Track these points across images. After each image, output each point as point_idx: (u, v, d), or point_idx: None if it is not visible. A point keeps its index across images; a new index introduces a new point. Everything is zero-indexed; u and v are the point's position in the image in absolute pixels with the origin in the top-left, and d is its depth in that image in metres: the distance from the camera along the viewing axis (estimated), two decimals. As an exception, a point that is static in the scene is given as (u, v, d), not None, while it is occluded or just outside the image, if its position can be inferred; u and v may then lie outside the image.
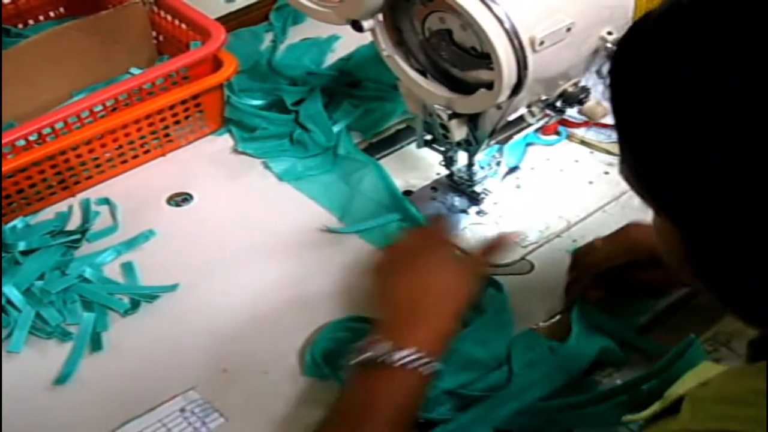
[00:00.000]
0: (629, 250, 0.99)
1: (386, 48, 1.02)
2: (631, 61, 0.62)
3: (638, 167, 0.63)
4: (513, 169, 1.19)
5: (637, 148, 0.62)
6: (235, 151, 1.27)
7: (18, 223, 1.14)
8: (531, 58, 0.90)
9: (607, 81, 0.63)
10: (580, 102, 1.02)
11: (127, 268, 1.10)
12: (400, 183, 1.20)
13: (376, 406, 0.83)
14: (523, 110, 1.03)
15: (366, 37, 1.03)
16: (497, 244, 1.00)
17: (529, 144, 1.22)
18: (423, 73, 1.02)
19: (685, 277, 0.66)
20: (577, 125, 1.24)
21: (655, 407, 0.74)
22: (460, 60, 0.98)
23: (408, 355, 0.84)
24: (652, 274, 0.98)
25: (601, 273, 1.00)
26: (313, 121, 1.26)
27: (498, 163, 1.17)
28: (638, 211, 1.10)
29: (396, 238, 1.03)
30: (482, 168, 1.14)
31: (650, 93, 0.59)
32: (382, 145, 1.27)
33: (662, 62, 0.58)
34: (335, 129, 1.26)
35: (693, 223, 0.61)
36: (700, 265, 0.64)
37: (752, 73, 0.53)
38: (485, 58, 0.92)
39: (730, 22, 0.55)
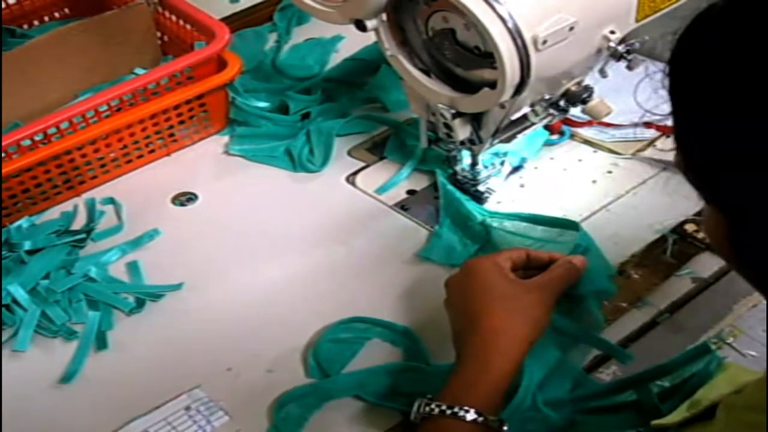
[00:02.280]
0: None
1: (390, 48, 1.02)
2: (694, 47, 0.61)
3: (692, 156, 0.63)
4: (517, 168, 1.19)
5: (692, 136, 0.62)
6: (245, 156, 1.28)
7: (23, 222, 1.15)
8: (534, 57, 0.90)
9: (667, 69, 0.63)
10: (584, 101, 1.02)
11: (132, 268, 1.10)
12: (404, 183, 1.20)
13: None
14: (526, 109, 1.03)
15: (370, 37, 1.03)
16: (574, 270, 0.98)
17: (545, 144, 1.23)
18: (426, 72, 1.03)
19: (734, 266, 0.66)
20: (581, 124, 1.24)
21: (684, 412, 0.74)
22: (464, 59, 0.98)
23: (469, 416, 0.82)
24: None
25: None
26: (318, 139, 1.26)
27: (502, 163, 1.17)
28: (639, 210, 1.12)
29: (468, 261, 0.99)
30: (486, 167, 1.15)
31: (710, 81, 0.58)
32: (385, 144, 1.27)
33: (725, 50, 0.57)
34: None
35: (741, 213, 0.60)
36: (745, 257, 0.63)
37: None
38: (488, 57, 0.93)
39: None
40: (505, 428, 0.83)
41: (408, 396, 0.90)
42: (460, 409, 0.82)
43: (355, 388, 0.94)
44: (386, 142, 1.26)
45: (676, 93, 0.63)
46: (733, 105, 0.57)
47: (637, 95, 0.94)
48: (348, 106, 1.32)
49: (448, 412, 0.82)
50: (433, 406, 0.83)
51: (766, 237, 0.59)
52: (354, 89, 1.36)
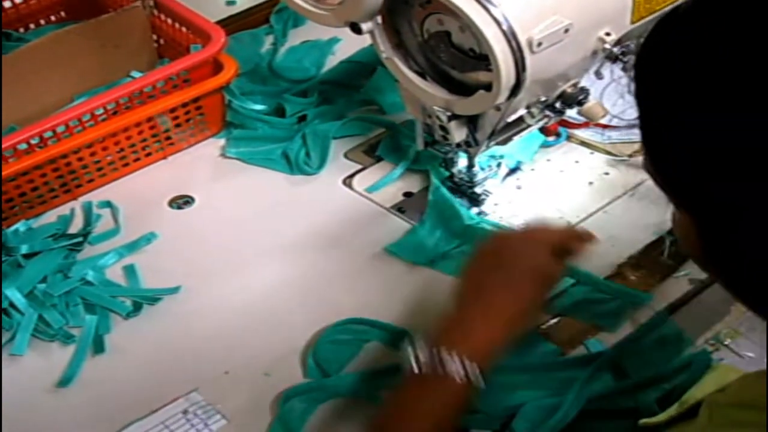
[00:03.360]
0: None
1: (385, 50, 1.02)
2: (657, 53, 0.62)
3: (658, 159, 0.63)
4: (513, 170, 1.19)
5: (657, 139, 0.63)
6: (241, 159, 1.28)
7: (20, 226, 1.15)
8: (529, 59, 0.90)
9: (632, 73, 0.63)
10: (580, 103, 1.02)
11: (129, 271, 1.10)
12: (401, 184, 1.20)
13: (415, 418, 0.81)
14: (522, 111, 1.03)
15: (366, 40, 1.03)
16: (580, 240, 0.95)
17: (542, 146, 1.23)
18: (422, 75, 1.03)
19: (705, 269, 0.67)
20: (577, 126, 1.24)
21: (672, 411, 0.74)
22: (459, 62, 0.98)
23: (454, 365, 0.81)
24: None
25: None
26: (314, 141, 1.26)
27: (498, 165, 1.17)
28: (636, 212, 1.12)
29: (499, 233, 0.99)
30: (483, 169, 1.15)
31: (672, 84, 0.59)
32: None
33: (691, 47, 0.58)
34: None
35: (709, 216, 0.61)
36: (716, 259, 0.64)
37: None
38: (484, 59, 0.93)
39: (755, 17, 0.55)
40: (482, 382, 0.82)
41: None
42: (453, 355, 0.81)
43: (360, 390, 0.94)
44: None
45: (642, 94, 0.63)
46: (699, 102, 0.57)
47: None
48: (344, 108, 1.32)
49: (444, 357, 0.81)
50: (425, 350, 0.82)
51: (734, 239, 0.60)
52: (350, 91, 1.36)
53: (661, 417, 0.75)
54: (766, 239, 0.57)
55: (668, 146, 0.61)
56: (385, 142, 1.26)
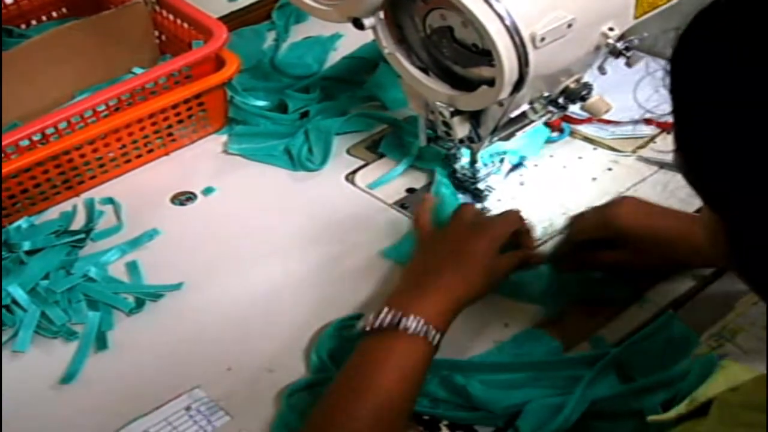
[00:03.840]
0: (601, 226, 0.99)
1: (388, 46, 1.02)
2: (696, 46, 0.61)
3: (690, 158, 0.63)
4: (516, 166, 1.19)
5: (691, 137, 0.62)
6: (244, 155, 1.28)
7: (23, 223, 1.15)
8: (532, 54, 0.90)
9: (668, 67, 0.63)
10: (583, 98, 1.02)
11: (132, 267, 1.10)
12: (403, 181, 1.20)
13: (378, 372, 0.85)
14: (525, 107, 1.03)
15: (369, 35, 1.03)
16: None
17: (547, 142, 1.23)
18: (425, 70, 1.03)
19: (731, 270, 0.66)
20: (580, 121, 1.23)
21: (681, 409, 0.74)
22: (462, 57, 0.98)
23: (413, 323, 0.86)
24: (613, 255, 0.99)
25: (574, 247, 1.02)
26: (317, 138, 1.26)
27: (501, 161, 1.17)
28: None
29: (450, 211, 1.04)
30: (486, 165, 1.15)
31: (709, 81, 0.58)
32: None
33: (730, 45, 0.57)
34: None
35: (739, 218, 0.60)
36: (742, 260, 0.63)
37: None
38: (486, 54, 0.93)
39: None
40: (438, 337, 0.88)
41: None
42: (411, 318, 0.87)
43: None
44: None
45: (677, 91, 0.62)
46: (736, 104, 0.56)
47: (637, 94, 0.93)
48: (347, 104, 1.32)
49: (403, 321, 0.87)
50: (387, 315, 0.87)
51: (764, 242, 0.59)
52: (353, 87, 1.35)
53: (671, 414, 0.75)
54: None
55: (702, 144, 0.60)
56: (388, 139, 1.26)
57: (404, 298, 0.90)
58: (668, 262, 1.01)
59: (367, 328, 0.88)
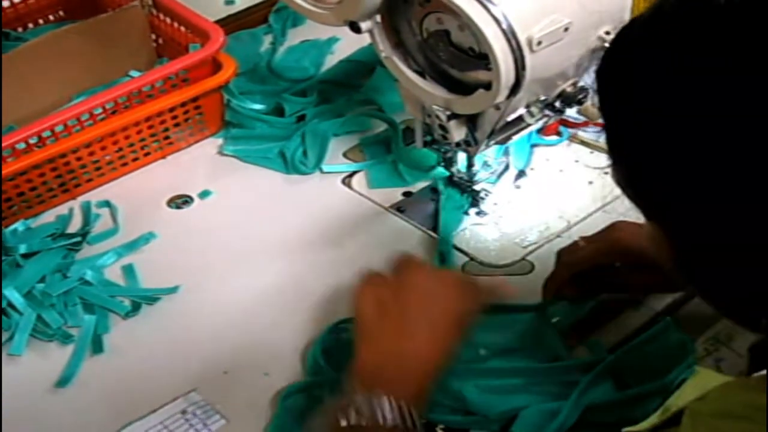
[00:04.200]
0: (613, 251, 0.97)
1: (384, 49, 1.02)
2: (620, 65, 0.62)
3: (628, 171, 0.63)
4: (521, 173, 1.19)
5: (626, 152, 0.62)
6: (239, 157, 1.28)
7: (19, 226, 1.15)
8: (529, 58, 0.90)
9: (595, 85, 0.63)
10: (579, 102, 1.02)
11: (128, 271, 1.10)
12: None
13: None
14: (522, 110, 1.03)
15: (365, 39, 1.03)
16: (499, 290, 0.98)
17: (534, 146, 1.23)
18: (421, 74, 1.03)
19: (680, 281, 0.66)
20: (577, 125, 1.24)
21: (654, 419, 0.74)
22: (458, 61, 0.98)
23: (392, 412, 0.78)
24: (636, 277, 0.98)
25: (582, 272, 0.98)
26: (312, 140, 1.26)
27: (507, 167, 1.17)
28: (636, 211, 1.11)
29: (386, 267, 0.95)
30: (489, 166, 1.15)
31: (638, 97, 0.59)
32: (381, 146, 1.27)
33: (650, 66, 0.58)
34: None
35: (681, 228, 0.61)
36: (690, 271, 0.64)
37: (740, 76, 0.53)
38: (483, 58, 0.93)
39: (715, 25, 0.55)
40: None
41: None
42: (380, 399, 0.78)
43: None
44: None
45: (608, 104, 0.63)
46: (667, 114, 0.57)
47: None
48: (344, 108, 1.32)
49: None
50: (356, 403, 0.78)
51: (708, 253, 0.60)
52: (350, 91, 1.35)
53: (644, 425, 0.75)
54: (737, 252, 0.57)
55: (637, 159, 0.61)
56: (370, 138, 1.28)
57: (376, 376, 0.82)
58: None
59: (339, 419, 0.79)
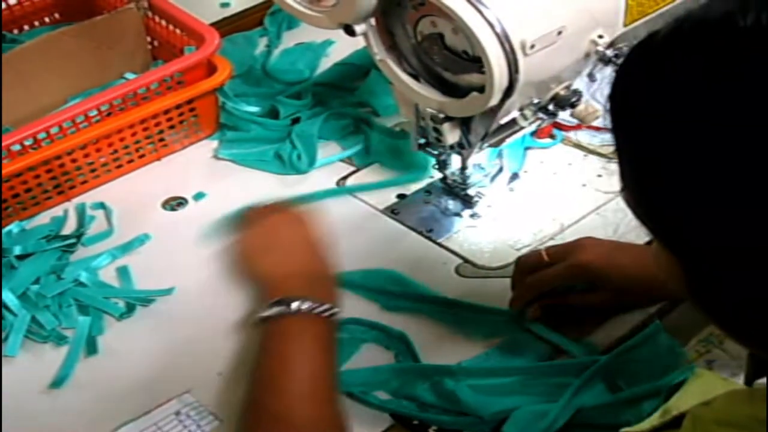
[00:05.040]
0: (581, 272, 0.98)
1: (379, 52, 1.02)
2: (633, 86, 0.60)
3: (638, 192, 0.62)
4: (514, 176, 1.20)
5: (638, 173, 0.61)
6: (234, 161, 1.28)
7: (14, 227, 1.15)
8: (522, 61, 0.90)
9: (608, 105, 0.62)
10: (572, 105, 1.03)
11: (123, 272, 1.10)
12: (393, 187, 1.20)
13: (292, 363, 0.85)
14: (515, 113, 1.03)
15: (360, 42, 1.03)
16: None
17: (527, 148, 1.23)
18: (416, 77, 1.03)
19: (689, 301, 0.66)
20: (570, 128, 1.24)
21: (654, 420, 0.74)
22: (452, 64, 0.98)
23: (306, 305, 0.87)
24: (591, 297, 0.99)
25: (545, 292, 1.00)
26: (301, 142, 1.26)
27: (500, 169, 1.18)
28: (629, 214, 1.12)
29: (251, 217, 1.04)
30: (483, 170, 1.16)
31: (652, 117, 0.57)
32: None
33: (667, 86, 0.56)
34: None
35: (692, 252, 0.59)
36: (699, 292, 0.63)
37: (759, 98, 0.52)
38: (477, 61, 0.93)
39: (736, 47, 0.53)
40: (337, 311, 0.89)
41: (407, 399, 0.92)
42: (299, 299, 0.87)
43: (358, 385, 0.94)
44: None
45: (619, 128, 0.61)
46: (679, 140, 0.55)
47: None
48: (338, 111, 1.32)
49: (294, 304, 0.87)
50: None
51: (720, 278, 0.58)
52: (344, 94, 1.36)
53: (644, 426, 0.75)
54: (750, 280, 0.56)
55: (650, 183, 0.60)
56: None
57: (283, 288, 0.90)
58: (642, 297, 1.00)
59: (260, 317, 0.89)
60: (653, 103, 0.57)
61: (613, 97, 0.62)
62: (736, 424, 0.61)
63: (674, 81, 0.56)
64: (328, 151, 1.27)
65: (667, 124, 0.56)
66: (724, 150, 0.53)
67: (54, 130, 1.15)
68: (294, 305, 0.87)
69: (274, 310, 0.87)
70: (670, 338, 0.95)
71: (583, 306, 1.00)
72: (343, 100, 1.34)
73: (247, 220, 1.02)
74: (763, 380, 0.63)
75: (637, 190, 0.62)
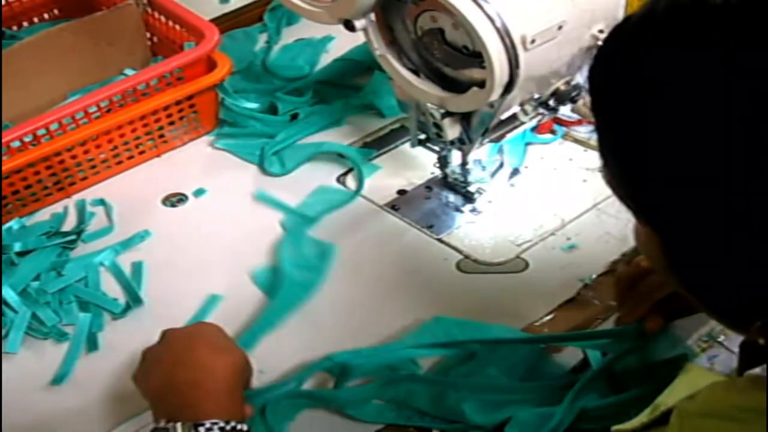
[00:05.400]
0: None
1: (379, 47, 1.02)
2: (611, 66, 0.61)
3: (619, 171, 0.63)
4: (515, 171, 1.20)
5: (617, 151, 0.62)
6: (230, 151, 1.28)
7: (14, 224, 1.15)
8: (522, 56, 0.90)
9: (587, 86, 0.63)
10: (573, 100, 1.03)
11: (115, 268, 1.10)
12: (395, 182, 1.20)
13: None
14: (515, 109, 1.03)
15: (360, 38, 1.03)
16: None
17: (528, 144, 1.23)
18: (416, 72, 1.03)
19: (669, 281, 0.66)
20: (570, 123, 1.24)
21: (644, 417, 0.74)
22: (453, 59, 0.98)
23: (214, 426, 0.80)
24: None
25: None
26: (288, 148, 1.27)
27: (501, 165, 1.18)
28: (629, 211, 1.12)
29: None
30: (484, 168, 1.15)
31: (629, 98, 0.59)
32: (376, 144, 1.27)
33: (641, 67, 0.58)
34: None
35: (672, 229, 0.60)
36: (680, 271, 0.64)
37: (730, 77, 0.53)
38: (477, 56, 0.93)
39: (707, 27, 0.54)
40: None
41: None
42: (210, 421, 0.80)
43: (354, 402, 0.93)
44: (377, 144, 1.27)
45: (595, 108, 0.63)
46: (654, 116, 0.57)
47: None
48: (341, 110, 1.32)
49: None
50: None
51: (698, 251, 0.59)
52: (345, 91, 1.35)
53: (634, 423, 0.75)
54: (728, 255, 0.57)
55: (629, 156, 0.61)
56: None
57: (184, 411, 0.82)
58: None
59: None
60: (628, 82, 0.59)
61: (591, 79, 0.63)
62: (719, 414, 0.62)
63: (647, 61, 0.57)
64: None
65: (640, 102, 0.58)
66: (693, 124, 0.55)
67: (53, 127, 1.14)
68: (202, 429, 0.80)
69: None
70: (676, 337, 0.94)
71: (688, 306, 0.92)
72: (345, 101, 1.33)
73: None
74: (755, 370, 0.63)
75: (617, 170, 0.63)
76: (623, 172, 0.62)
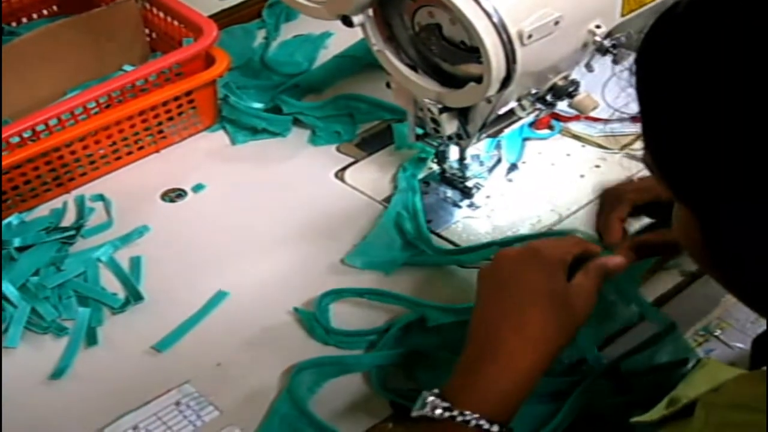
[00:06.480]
0: (647, 189, 0.93)
1: (376, 43, 1.02)
2: (659, 47, 0.62)
3: (659, 153, 0.63)
4: (513, 167, 1.20)
5: (659, 134, 0.62)
6: (228, 146, 1.28)
7: (13, 219, 1.15)
8: (519, 51, 0.90)
9: (633, 68, 0.64)
10: (570, 95, 1.03)
11: (112, 263, 1.10)
12: (392, 178, 1.21)
13: None
14: (513, 104, 1.04)
15: (359, 34, 1.03)
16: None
17: (525, 139, 1.23)
18: (413, 67, 1.03)
19: (704, 268, 0.66)
20: (568, 119, 1.24)
21: (663, 410, 0.74)
22: (450, 54, 0.99)
23: (470, 418, 0.76)
24: (666, 233, 0.89)
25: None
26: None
27: (499, 160, 1.18)
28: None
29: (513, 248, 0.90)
30: (482, 164, 1.16)
31: (674, 79, 0.59)
32: (374, 140, 1.28)
33: (689, 49, 0.58)
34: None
35: (712, 212, 0.61)
36: (717, 256, 0.64)
37: None
38: (474, 52, 0.93)
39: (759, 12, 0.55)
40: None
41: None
42: (467, 414, 0.76)
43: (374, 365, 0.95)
44: (375, 139, 1.27)
45: (643, 90, 0.63)
46: (700, 101, 0.57)
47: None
48: (351, 132, 1.30)
49: (457, 417, 0.76)
50: (438, 407, 0.76)
51: (737, 235, 0.59)
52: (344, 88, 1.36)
53: (654, 415, 0.75)
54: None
55: (669, 140, 0.61)
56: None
57: (463, 393, 0.78)
58: None
59: (414, 414, 0.78)
60: (677, 63, 0.59)
61: (639, 62, 0.63)
62: (749, 406, 0.61)
63: (697, 43, 0.58)
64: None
65: (689, 80, 0.58)
66: (742, 104, 0.55)
67: (53, 122, 1.15)
68: (459, 418, 0.76)
69: (435, 411, 0.77)
70: (681, 335, 0.94)
71: (662, 243, 0.93)
72: (347, 102, 1.34)
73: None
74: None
75: (658, 150, 0.63)
76: (661, 152, 0.63)
